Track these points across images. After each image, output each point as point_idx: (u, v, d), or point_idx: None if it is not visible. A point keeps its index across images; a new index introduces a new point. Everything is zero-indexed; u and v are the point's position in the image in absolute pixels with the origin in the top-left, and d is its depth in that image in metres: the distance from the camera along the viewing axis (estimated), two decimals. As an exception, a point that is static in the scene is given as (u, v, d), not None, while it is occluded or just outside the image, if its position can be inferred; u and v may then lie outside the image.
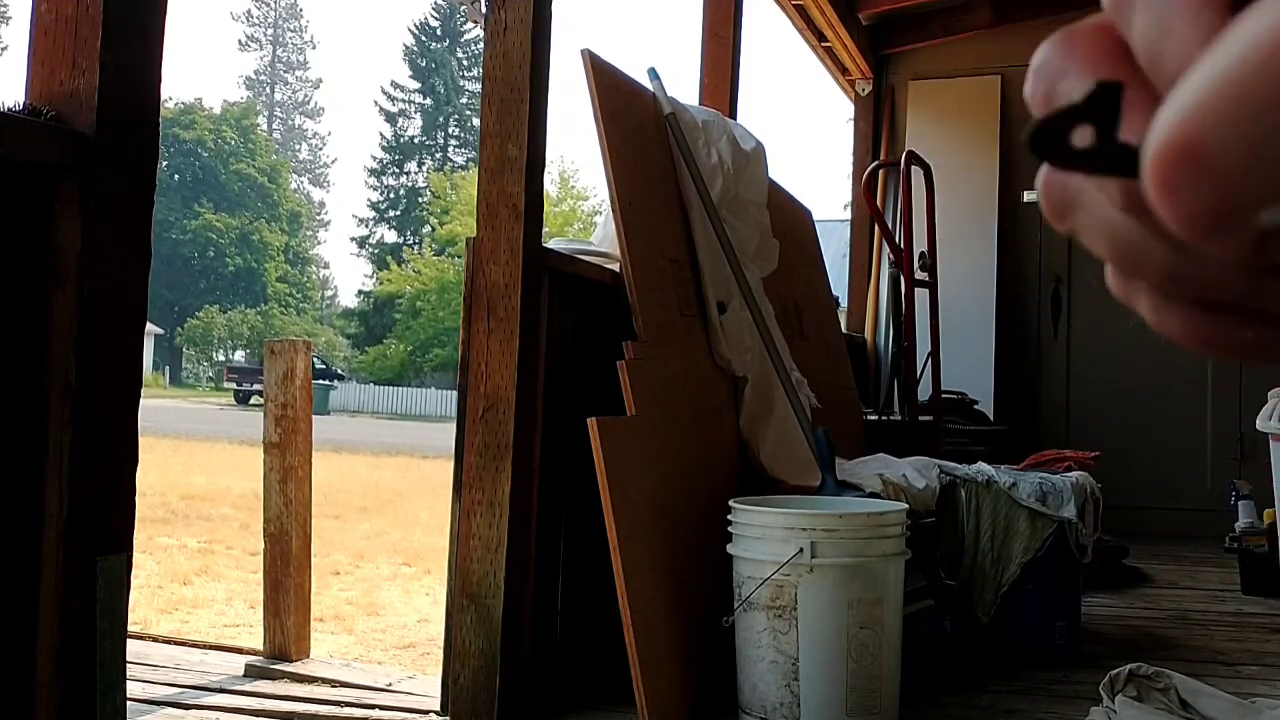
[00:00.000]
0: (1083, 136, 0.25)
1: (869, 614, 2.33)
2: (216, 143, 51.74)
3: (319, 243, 62.03)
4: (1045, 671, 2.93)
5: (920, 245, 5.26)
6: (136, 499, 1.58)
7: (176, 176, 49.84)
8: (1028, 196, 5.80)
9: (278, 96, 64.91)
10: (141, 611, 4.42)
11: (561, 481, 2.63)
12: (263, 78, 64.73)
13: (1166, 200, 0.22)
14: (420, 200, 50.74)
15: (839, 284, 5.17)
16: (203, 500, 8.60)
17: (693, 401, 2.83)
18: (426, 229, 46.32)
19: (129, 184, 1.56)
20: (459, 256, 30.95)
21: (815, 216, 4.58)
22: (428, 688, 2.84)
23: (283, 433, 3.15)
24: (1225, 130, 0.21)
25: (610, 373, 2.49)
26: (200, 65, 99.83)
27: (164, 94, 1.70)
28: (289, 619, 3.15)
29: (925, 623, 2.74)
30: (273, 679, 2.97)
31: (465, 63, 55.06)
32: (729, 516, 2.45)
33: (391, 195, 54.37)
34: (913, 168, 5.25)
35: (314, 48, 67.75)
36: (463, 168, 48.71)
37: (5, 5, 46.55)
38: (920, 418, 4.86)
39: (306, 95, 65.41)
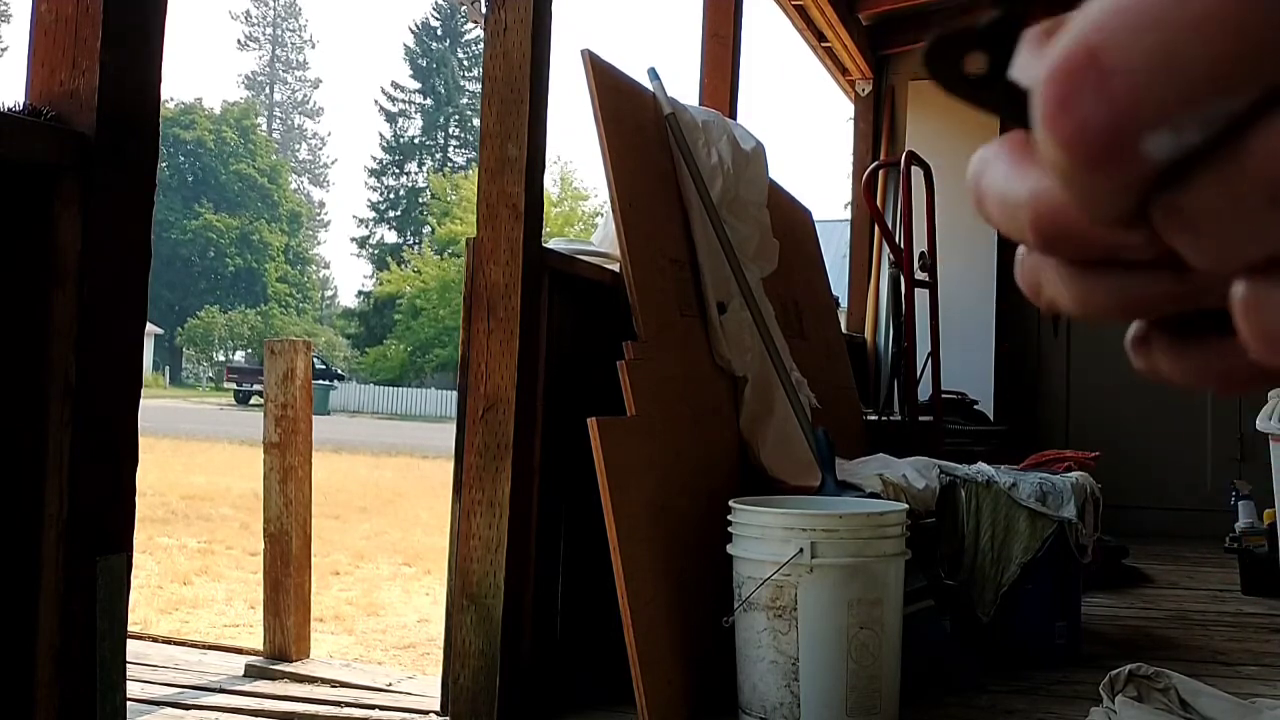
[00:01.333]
0: (975, 63, 0.25)
1: (869, 614, 2.33)
2: (217, 143, 51.75)
3: (319, 243, 62.08)
4: (1045, 671, 2.93)
5: (920, 245, 5.26)
6: (136, 499, 1.58)
7: (177, 177, 49.84)
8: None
9: (277, 96, 64.91)
10: (141, 611, 4.42)
11: (561, 482, 2.63)
12: (262, 78, 64.74)
13: (1057, 119, 0.21)
14: (420, 201, 50.75)
15: (839, 284, 5.17)
16: (203, 500, 8.60)
17: (693, 401, 2.83)
18: (426, 229, 46.34)
19: (129, 184, 1.56)
20: (459, 256, 30.96)
21: (815, 216, 4.58)
22: (428, 688, 2.84)
23: (283, 433, 3.15)
24: (1128, 36, 0.21)
25: (610, 373, 2.49)
26: (200, 65, 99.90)
27: (164, 94, 1.70)
28: (289, 619, 3.15)
29: (925, 623, 2.74)
30: (272, 679, 2.97)
31: (466, 63, 55.07)
32: (729, 516, 2.45)
33: (391, 195, 54.39)
34: (913, 168, 5.25)
35: (313, 47, 67.84)
36: (463, 168, 48.75)
37: (6, 5, 46.56)
38: (920, 418, 4.86)
39: (306, 95, 65.44)
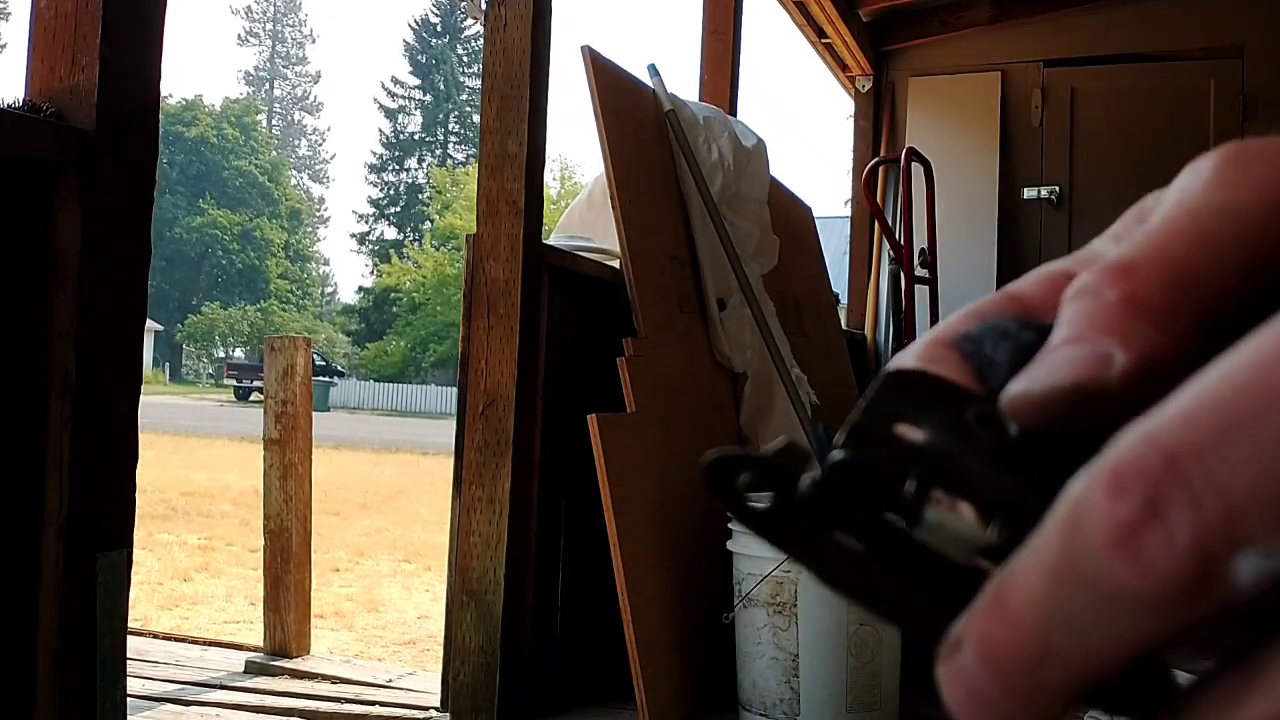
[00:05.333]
0: (758, 491, 0.23)
1: (869, 610, 2.33)
2: (217, 139, 51.73)
3: (319, 239, 62.04)
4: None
5: (920, 242, 5.26)
6: (136, 495, 1.58)
7: (177, 173, 49.82)
8: (1028, 193, 5.80)
9: (277, 92, 64.89)
10: (142, 608, 4.42)
11: (561, 478, 2.63)
12: (262, 73, 64.71)
13: (1132, 539, 0.18)
14: (420, 197, 50.76)
15: (839, 280, 5.17)
16: (203, 497, 8.61)
17: (693, 398, 2.83)
18: (426, 225, 46.33)
19: (129, 180, 1.56)
20: (459, 249, 30.96)
21: (815, 213, 4.58)
22: (428, 684, 2.85)
23: (283, 429, 3.15)
24: (1216, 441, 0.18)
25: (610, 369, 2.49)
26: (200, 61, 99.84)
27: (164, 90, 1.69)
28: (289, 615, 3.15)
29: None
30: (273, 675, 2.98)
31: (465, 59, 55.06)
32: (728, 513, 2.45)
33: (391, 192, 54.39)
34: (913, 164, 5.25)
35: (313, 42, 67.62)
36: (463, 164, 48.72)
37: (5, 2, 46.52)
38: (920, 414, 4.85)
39: (306, 91, 65.41)
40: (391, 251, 45.77)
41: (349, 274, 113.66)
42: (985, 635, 0.20)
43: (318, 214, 62.65)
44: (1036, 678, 0.19)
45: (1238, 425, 0.17)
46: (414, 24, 56.05)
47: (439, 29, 55.50)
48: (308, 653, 3.19)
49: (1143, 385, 0.20)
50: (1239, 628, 0.19)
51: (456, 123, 55.31)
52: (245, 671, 3.01)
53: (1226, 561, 0.17)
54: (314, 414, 3.29)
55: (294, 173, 60.51)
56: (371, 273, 49.91)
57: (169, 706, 2.60)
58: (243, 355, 46.27)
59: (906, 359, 0.25)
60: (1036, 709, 0.19)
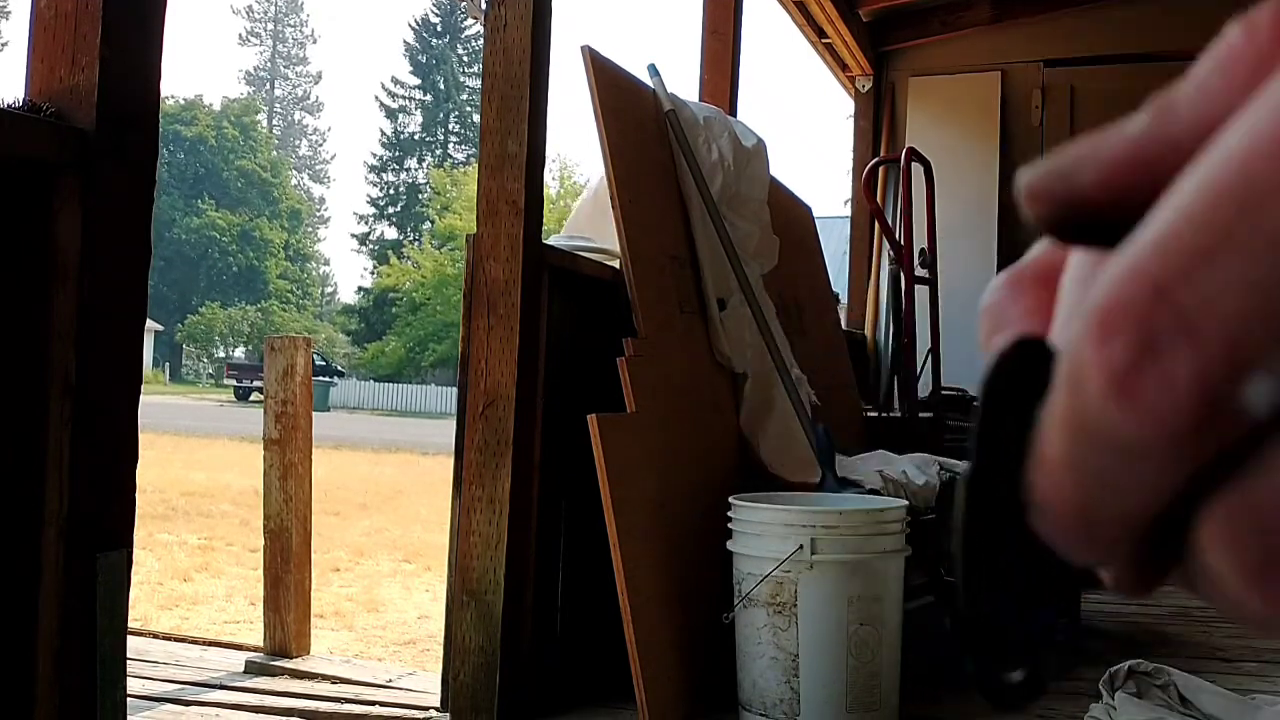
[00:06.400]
0: (1017, 673, 0.24)
1: (869, 611, 2.33)
2: (217, 139, 51.71)
3: (319, 239, 62.03)
4: (1045, 668, 2.93)
5: (920, 241, 5.26)
6: (136, 496, 1.58)
7: (177, 173, 49.81)
8: (1028, 193, 5.80)
9: (277, 92, 64.88)
10: (142, 608, 4.42)
11: (561, 478, 2.63)
12: (263, 73, 64.70)
13: (1126, 382, 0.16)
14: (420, 197, 50.75)
15: (839, 280, 5.17)
16: (203, 497, 8.60)
17: (693, 398, 2.83)
18: (426, 225, 46.35)
19: (129, 181, 1.56)
20: (459, 249, 30.97)
21: (815, 213, 4.58)
22: (428, 684, 2.85)
23: (283, 429, 3.15)
24: (1199, 263, 0.16)
25: (610, 369, 2.49)
26: (201, 61, 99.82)
27: (164, 90, 1.69)
28: (289, 615, 3.15)
29: (926, 619, 2.74)
30: (273, 675, 2.98)
31: (465, 59, 55.04)
32: (729, 513, 2.45)
33: (391, 192, 54.38)
34: (913, 164, 5.25)
35: (314, 42, 67.64)
36: (463, 164, 48.70)
37: (5, 1, 46.52)
38: (920, 414, 4.86)
39: (306, 91, 65.40)
40: (391, 252, 45.75)
41: (349, 274, 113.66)
42: (1037, 488, 0.19)
43: (318, 214, 62.63)
44: (1088, 527, 0.18)
45: (1225, 236, 0.16)
46: (414, 24, 56.05)
47: (439, 29, 55.48)
48: (308, 653, 3.19)
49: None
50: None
51: (456, 123, 55.29)
52: (245, 671, 3.01)
53: (1235, 389, 0.16)
54: (314, 414, 3.29)
55: (294, 173, 60.48)
56: (371, 273, 49.91)
57: (169, 706, 2.60)
58: (243, 355, 46.26)
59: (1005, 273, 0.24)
60: (1104, 551, 0.18)
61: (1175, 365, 0.16)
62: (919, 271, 5.18)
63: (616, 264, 2.76)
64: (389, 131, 55.34)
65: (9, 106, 1.47)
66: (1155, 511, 0.17)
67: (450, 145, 55.25)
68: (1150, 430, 0.16)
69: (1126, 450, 0.17)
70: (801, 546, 2.28)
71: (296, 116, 65.41)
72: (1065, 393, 0.17)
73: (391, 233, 53.61)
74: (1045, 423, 0.18)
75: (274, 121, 63.83)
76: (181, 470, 10.20)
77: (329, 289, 63.25)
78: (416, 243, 46.90)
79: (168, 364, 46.61)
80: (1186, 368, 0.16)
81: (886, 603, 2.36)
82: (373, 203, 54.31)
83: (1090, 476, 0.17)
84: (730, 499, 2.47)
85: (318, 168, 65.56)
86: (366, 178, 55.02)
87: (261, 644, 3.21)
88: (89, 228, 1.48)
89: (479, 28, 2.85)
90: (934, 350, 5.10)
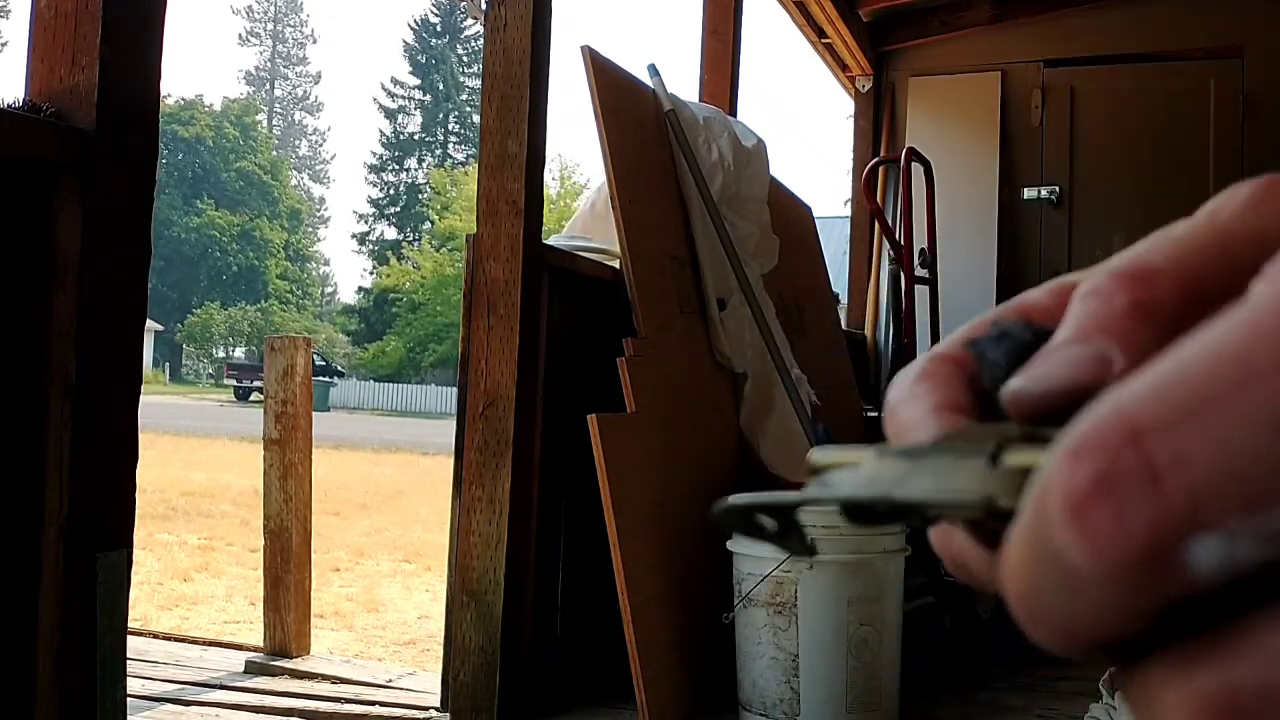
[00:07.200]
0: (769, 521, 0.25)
1: (869, 611, 2.33)
2: (217, 139, 51.72)
3: (319, 239, 62.05)
4: (1045, 668, 2.94)
5: (920, 242, 5.26)
6: (136, 495, 1.58)
7: (177, 173, 49.81)
8: (1028, 193, 5.80)
9: (277, 92, 64.88)
10: (142, 608, 4.42)
11: (562, 478, 2.63)
12: (263, 73, 64.71)
13: (1087, 508, 0.17)
14: (420, 197, 50.76)
15: (839, 280, 5.17)
16: (203, 497, 8.60)
17: (693, 398, 2.83)
18: (426, 225, 46.35)
19: (129, 180, 1.56)
20: (458, 250, 30.98)
21: (815, 213, 4.58)
22: (428, 684, 2.85)
23: (283, 429, 3.15)
24: (1181, 419, 0.17)
25: (610, 369, 2.49)
26: (201, 61, 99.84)
27: (164, 90, 1.69)
28: (289, 615, 3.15)
29: (925, 619, 2.74)
30: (273, 675, 2.98)
31: (465, 59, 55.05)
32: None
33: (391, 191, 54.39)
34: (913, 164, 5.24)
35: (314, 42, 67.62)
36: (462, 164, 48.72)
37: (5, 1, 46.51)
38: (920, 414, 4.85)
39: (306, 91, 65.41)
40: (390, 252, 45.75)
41: (349, 274, 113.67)
42: (1002, 582, 0.20)
43: (318, 214, 62.65)
44: (1040, 628, 0.19)
45: (1210, 402, 0.17)
46: (414, 24, 56.04)
47: (439, 29, 55.49)
48: (308, 653, 3.19)
49: None
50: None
51: (456, 123, 55.29)
52: (245, 671, 3.01)
53: (1183, 544, 0.17)
54: (314, 414, 3.29)
55: (294, 173, 60.49)
56: (371, 273, 49.91)
57: (169, 706, 2.60)
58: (243, 355, 46.26)
59: (906, 374, 0.26)
60: (1062, 648, 0.19)
61: (1132, 505, 0.17)
62: (919, 271, 5.18)
63: (616, 264, 2.76)
64: (389, 131, 55.35)
65: (9, 106, 1.47)
66: (1102, 638, 0.19)
67: (450, 145, 55.26)
68: (1095, 560, 0.17)
69: (1074, 573, 0.18)
70: (801, 546, 2.28)
71: (296, 116, 65.43)
72: (1032, 505, 0.19)
73: (391, 233, 53.62)
74: (1013, 528, 0.19)
75: (274, 121, 63.84)
76: (181, 470, 10.20)
77: (329, 289, 63.27)
78: (416, 243, 46.90)
79: (168, 364, 46.61)
80: (1143, 511, 0.17)
81: (886, 603, 2.37)
82: (373, 203, 54.32)
83: (1044, 588, 0.18)
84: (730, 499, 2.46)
85: (318, 168, 65.59)
86: (366, 178, 55.08)
87: (261, 644, 3.21)
88: (89, 228, 1.48)
89: (479, 28, 2.85)
90: (934, 350, 5.09)
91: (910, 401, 0.25)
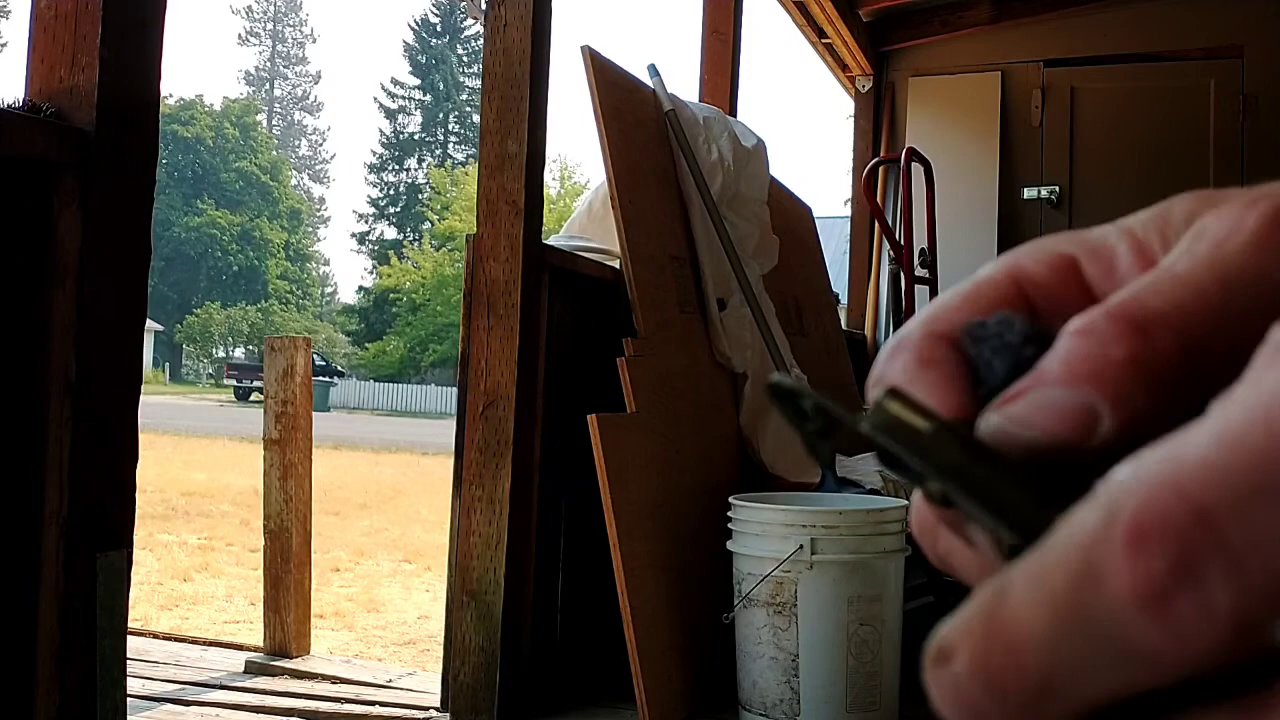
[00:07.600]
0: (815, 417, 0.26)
1: (869, 611, 2.33)
2: (217, 139, 51.72)
3: (319, 239, 62.06)
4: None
5: (920, 242, 5.26)
6: (136, 495, 1.58)
7: (177, 173, 49.81)
8: (1028, 193, 5.80)
9: (277, 92, 64.89)
10: (142, 608, 4.42)
11: (562, 478, 2.63)
12: (262, 73, 64.71)
13: (1166, 593, 0.17)
14: (420, 197, 50.77)
15: (839, 280, 5.17)
16: (203, 497, 8.60)
17: (693, 398, 2.83)
18: (426, 225, 46.36)
19: (129, 180, 1.56)
20: (458, 250, 30.98)
21: (815, 213, 4.58)
22: (428, 684, 2.85)
23: (283, 429, 3.15)
24: (1248, 501, 0.16)
25: (610, 369, 2.49)
26: (200, 61, 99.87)
27: (164, 90, 1.69)
28: (289, 615, 3.15)
29: (925, 619, 2.74)
30: (273, 675, 2.98)
31: (465, 59, 55.05)
32: (729, 513, 2.45)
33: (391, 191, 54.40)
34: (913, 164, 5.25)
35: (314, 42, 67.64)
36: (462, 164, 48.71)
37: (5, 1, 46.51)
38: (920, 414, 4.85)
39: (306, 90, 65.42)
40: (390, 252, 45.77)
41: (349, 274, 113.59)
42: (983, 657, 0.19)
43: (318, 214, 62.65)
44: (1036, 706, 0.19)
45: (1276, 474, 0.16)
46: (414, 24, 56.05)
47: (439, 29, 55.49)
48: (308, 653, 3.19)
49: (1123, 441, 0.20)
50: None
51: (456, 123, 55.30)
52: (245, 671, 3.01)
53: (1269, 624, 0.16)
54: (314, 414, 3.29)
55: (294, 173, 60.49)
56: (371, 273, 49.92)
57: (169, 706, 2.60)
58: (243, 355, 46.28)
59: (905, 352, 0.25)
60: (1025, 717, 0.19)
61: (1216, 592, 0.16)
62: (919, 271, 5.18)
63: (616, 264, 2.76)
64: (389, 131, 55.37)
65: (9, 106, 1.47)
66: (1116, 700, 0.18)
67: (450, 145, 55.27)
68: (1177, 647, 0.17)
69: (1132, 654, 0.17)
70: (801, 546, 2.29)
71: (296, 116, 65.44)
72: (1070, 581, 0.18)
73: (391, 233, 53.62)
74: (1017, 594, 0.19)
75: (274, 121, 63.84)
76: (182, 470, 10.20)
77: (329, 289, 63.27)
78: (416, 243, 46.89)
79: (168, 364, 46.61)
80: (1228, 597, 0.16)
81: (886, 603, 2.37)
82: (373, 203, 54.34)
83: (1067, 662, 0.18)
84: (730, 499, 2.47)
85: (318, 168, 65.60)
86: (366, 178, 55.10)
87: (261, 644, 3.20)
88: (89, 228, 1.48)
89: (479, 28, 2.85)
90: (934, 350, 5.09)
91: (912, 388, 0.25)
